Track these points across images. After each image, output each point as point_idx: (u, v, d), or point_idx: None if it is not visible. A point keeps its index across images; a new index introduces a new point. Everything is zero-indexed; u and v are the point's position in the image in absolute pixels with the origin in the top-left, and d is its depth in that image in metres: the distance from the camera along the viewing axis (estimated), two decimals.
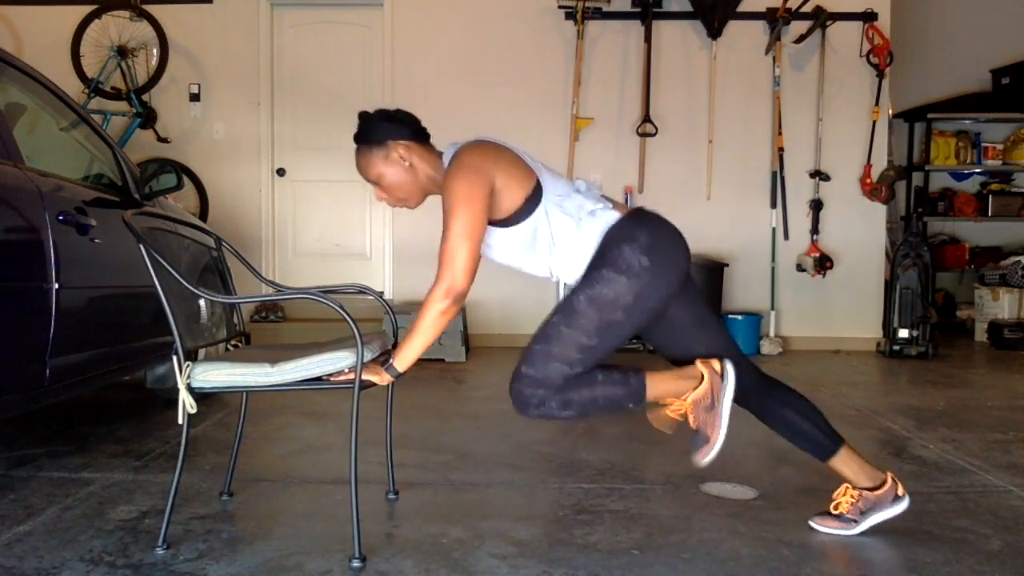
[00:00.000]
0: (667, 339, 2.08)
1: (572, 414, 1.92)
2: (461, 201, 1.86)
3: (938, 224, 7.01)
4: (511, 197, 1.93)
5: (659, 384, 1.97)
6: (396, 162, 2.00)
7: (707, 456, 1.96)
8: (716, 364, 1.98)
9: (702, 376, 1.96)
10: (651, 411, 2.03)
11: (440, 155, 2.04)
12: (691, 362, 2.01)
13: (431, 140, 2.07)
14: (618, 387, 1.93)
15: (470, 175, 1.89)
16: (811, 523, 2.14)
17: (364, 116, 2.03)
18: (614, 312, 1.89)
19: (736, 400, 2.01)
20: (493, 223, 1.96)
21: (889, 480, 2.09)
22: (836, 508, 2.12)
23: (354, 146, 2.04)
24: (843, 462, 2.08)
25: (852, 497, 2.09)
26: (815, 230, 5.78)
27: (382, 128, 2.00)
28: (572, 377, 1.90)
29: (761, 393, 2.10)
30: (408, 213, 5.81)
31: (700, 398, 1.95)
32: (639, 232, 1.93)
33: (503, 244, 2.00)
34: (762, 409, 2.11)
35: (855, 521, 2.08)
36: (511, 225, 1.96)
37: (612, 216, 1.97)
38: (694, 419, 1.97)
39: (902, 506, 2.08)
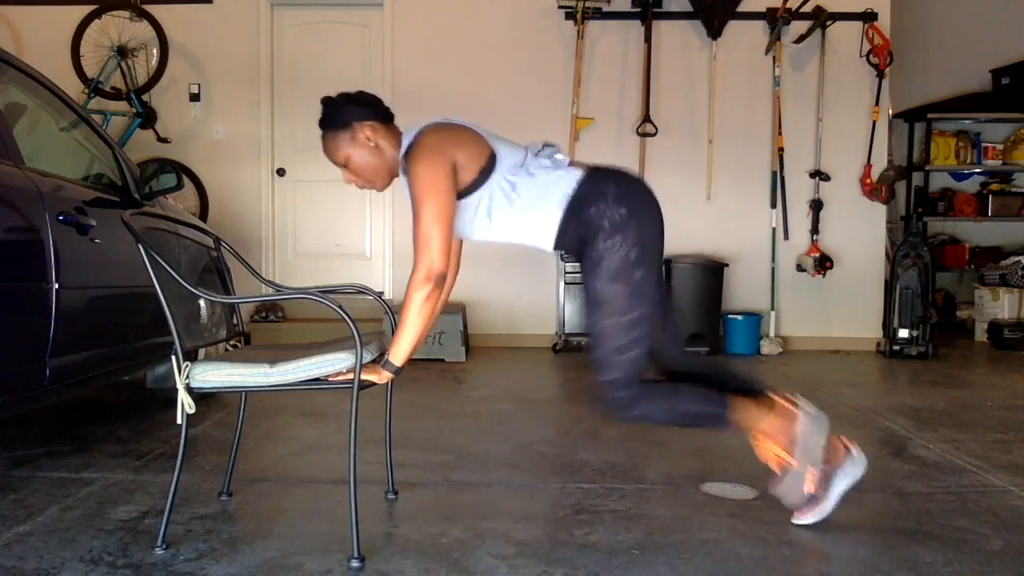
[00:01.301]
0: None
1: (665, 421, 1.99)
2: (428, 186, 1.88)
3: (938, 224, 7.01)
4: (469, 173, 1.95)
5: (742, 409, 2.02)
6: (362, 143, 2.01)
7: (804, 518, 2.08)
8: (793, 400, 2.08)
9: (779, 405, 2.05)
10: (761, 449, 2.10)
11: (401, 135, 2.05)
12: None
13: (394, 121, 2.08)
14: (705, 407, 2.00)
15: (432, 157, 1.91)
16: (794, 521, 2.13)
17: (327, 100, 2.04)
18: (631, 273, 1.92)
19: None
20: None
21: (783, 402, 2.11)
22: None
23: (322, 132, 2.05)
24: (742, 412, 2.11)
25: (811, 475, 2.08)
26: (815, 230, 5.78)
27: (346, 110, 2.01)
28: (658, 385, 1.98)
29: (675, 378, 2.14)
30: (408, 213, 5.81)
31: (785, 430, 2.04)
32: (604, 186, 1.96)
33: (467, 217, 2.01)
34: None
35: (821, 495, 2.08)
36: (467, 196, 1.98)
37: (571, 177, 1.98)
38: (777, 462, 2.07)
39: (861, 463, 2.10)
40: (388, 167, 2.05)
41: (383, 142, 2.02)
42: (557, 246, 2.03)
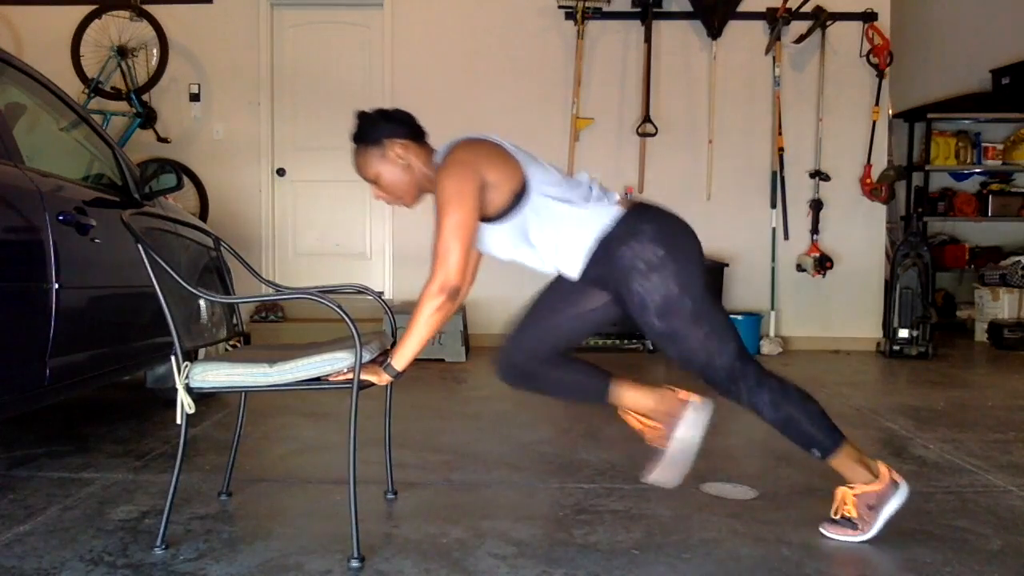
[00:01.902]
0: (563, 310, 2.14)
1: (774, 419, 2.00)
2: (453, 197, 1.88)
3: (938, 224, 7.00)
4: (500, 193, 1.94)
5: (847, 456, 2.03)
6: (393, 161, 2.01)
7: (838, 535, 2.06)
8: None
9: (883, 475, 2.04)
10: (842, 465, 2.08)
11: (434, 152, 2.05)
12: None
13: (428, 139, 2.08)
14: (820, 431, 2.00)
15: (461, 171, 1.90)
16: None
17: (361, 115, 2.04)
18: (681, 304, 1.93)
19: (511, 380, 2.16)
20: (484, 220, 1.97)
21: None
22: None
23: (354, 146, 2.05)
24: (624, 392, 2.17)
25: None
26: (815, 230, 5.78)
27: (379, 127, 2.01)
28: (758, 372, 2.00)
29: (545, 372, 2.17)
30: (408, 213, 5.79)
31: (867, 495, 2.03)
32: (642, 226, 1.95)
33: (495, 240, 2.02)
34: (544, 384, 2.19)
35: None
36: (498, 222, 1.97)
37: (611, 212, 1.98)
38: (844, 514, 2.06)
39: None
40: (418, 185, 2.04)
41: (414, 160, 2.02)
42: (582, 276, 2.02)
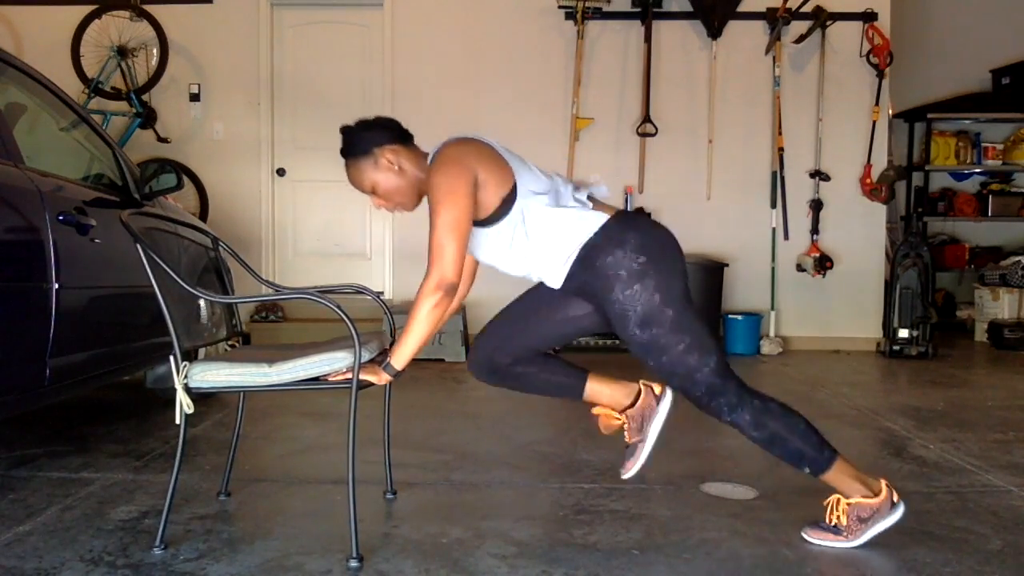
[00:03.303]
0: (540, 313, 2.15)
1: (760, 436, 1.98)
2: (446, 194, 1.88)
3: (938, 224, 7.00)
4: (490, 196, 1.94)
5: (840, 471, 2.01)
6: (386, 168, 2.01)
7: (819, 540, 2.04)
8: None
9: (882, 493, 2.01)
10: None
11: (426, 155, 2.05)
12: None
13: (414, 141, 2.08)
14: (810, 447, 1.98)
15: (453, 168, 1.90)
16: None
17: (346, 130, 2.05)
18: (662, 313, 1.92)
19: (485, 377, 2.18)
20: (475, 223, 1.97)
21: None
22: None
23: (345, 161, 2.06)
24: (597, 387, 2.19)
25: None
26: (815, 230, 5.78)
27: (365, 137, 2.02)
28: (757, 397, 1.98)
29: (520, 369, 2.17)
30: (408, 213, 5.81)
31: (861, 507, 2.00)
32: (625, 235, 1.94)
33: (484, 244, 2.02)
34: (518, 380, 2.19)
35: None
36: (489, 225, 1.97)
37: (595, 221, 1.97)
38: (835, 519, 2.03)
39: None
40: (414, 187, 2.04)
41: (406, 163, 2.02)
42: (564, 285, 2.01)
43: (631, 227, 1.97)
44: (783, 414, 1.99)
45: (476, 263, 2.20)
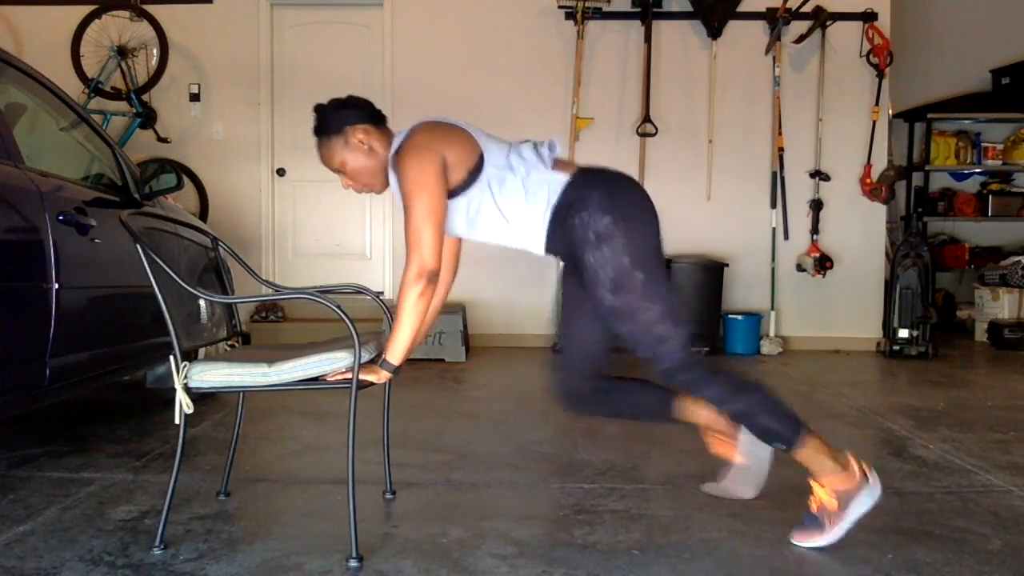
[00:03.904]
0: (575, 313, 2.08)
1: (728, 411, 1.95)
2: (417, 182, 1.88)
3: (938, 224, 7.00)
4: (457, 170, 1.94)
5: (812, 448, 1.96)
6: (356, 147, 2.01)
7: (807, 542, 2.00)
8: (868, 468, 2.00)
9: (851, 467, 1.97)
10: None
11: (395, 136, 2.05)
12: (599, 354, 2.07)
13: (387, 123, 2.08)
14: (779, 423, 1.95)
15: (422, 155, 1.90)
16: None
17: (319, 108, 2.05)
18: (631, 278, 1.88)
19: (573, 406, 2.12)
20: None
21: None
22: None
23: (316, 139, 2.06)
24: (689, 413, 2.09)
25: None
26: (815, 230, 5.78)
27: (337, 115, 2.02)
28: (715, 372, 1.94)
29: (602, 392, 2.11)
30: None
31: (839, 490, 1.97)
32: (589, 192, 1.92)
33: (456, 215, 2.00)
34: (604, 405, 2.14)
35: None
36: (458, 195, 1.96)
37: (557, 182, 1.94)
38: (817, 504, 2.00)
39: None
40: (384, 168, 2.04)
41: (377, 144, 2.02)
42: (548, 251, 2.01)
43: (593, 184, 1.94)
44: (751, 389, 1.97)
45: (458, 249, 2.20)
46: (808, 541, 2.01)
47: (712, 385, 1.94)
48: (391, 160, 2.00)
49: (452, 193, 1.96)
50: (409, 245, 1.89)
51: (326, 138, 2.03)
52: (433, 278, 1.89)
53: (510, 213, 1.96)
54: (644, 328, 1.90)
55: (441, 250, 1.91)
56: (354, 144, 2.01)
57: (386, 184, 2.08)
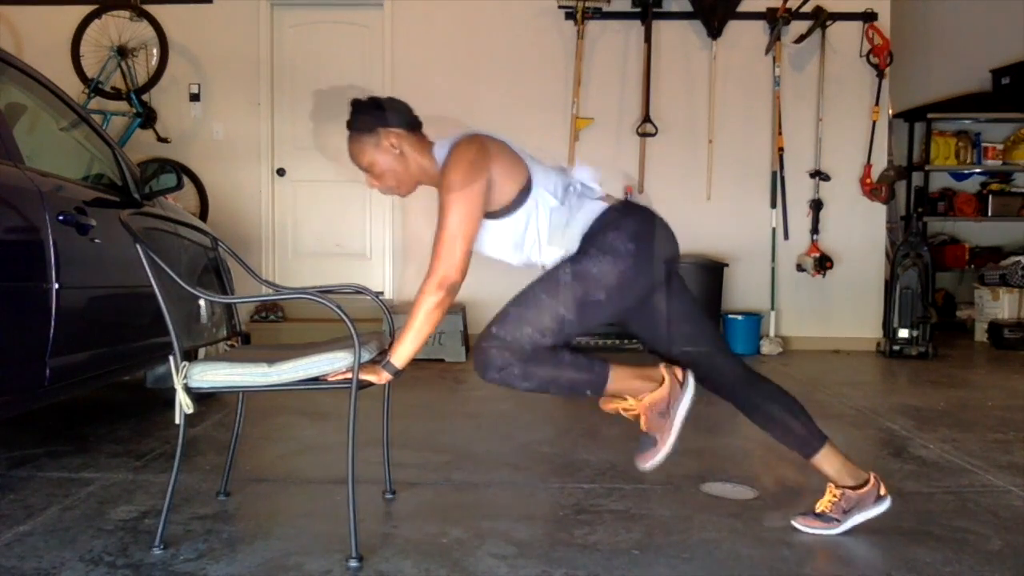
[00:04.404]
0: (650, 330, 2.10)
1: (530, 386, 1.91)
2: (459, 194, 1.88)
3: (938, 224, 7.00)
4: (504, 190, 1.94)
5: (621, 379, 1.97)
6: (387, 150, 2.01)
7: (651, 461, 1.98)
8: (679, 372, 2.00)
9: (663, 379, 1.97)
10: (606, 402, 2.03)
11: (432, 144, 2.05)
12: (668, 359, 2.05)
13: (423, 130, 2.08)
14: (582, 373, 1.93)
15: (468, 169, 1.90)
16: (794, 522, 2.13)
17: (356, 103, 2.05)
18: (596, 291, 1.90)
19: (720, 393, 2.08)
20: (486, 215, 1.96)
21: (872, 480, 2.09)
22: (819, 507, 2.11)
23: (348, 133, 2.05)
24: (826, 459, 2.08)
25: (834, 496, 2.09)
26: (815, 230, 5.78)
27: (373, 116, 2.02)
28: (540, 349, 1.89)
29: (746, 387, 2.11)
30: (409, 212, 5.81)
31: (655, 402, 1.97)
32: (626, 220, 1.95)
33: (494, 236, 2.01)
34: (747, 403, 2.12)
35: (837, 520, 2.08)
36: (502, 217, 1.97)
37: (598, 207, 1.98)
38: (646, 422, 1.98)
39: (884, 506, 2.08)
40: (411, 174, 2.04)
41: (408, 149, 2.02)
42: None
43: (631, 214, 1.98)
44: (548, 359, 1.92)
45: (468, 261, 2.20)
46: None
47: (516, 367, 1.88)
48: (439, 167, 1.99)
49: (501, 213, 1.96)
50: (436, 254, 1.88)
51: (358, 135, 2.03)
52: (453, 291, 1.88)
53: (551, 236, 1.97)
54: (526, 316, 1.88)
55: (467, 265, 1.91)
56: (385, 147, 2.01)
57: (411, 189, 2.08)
